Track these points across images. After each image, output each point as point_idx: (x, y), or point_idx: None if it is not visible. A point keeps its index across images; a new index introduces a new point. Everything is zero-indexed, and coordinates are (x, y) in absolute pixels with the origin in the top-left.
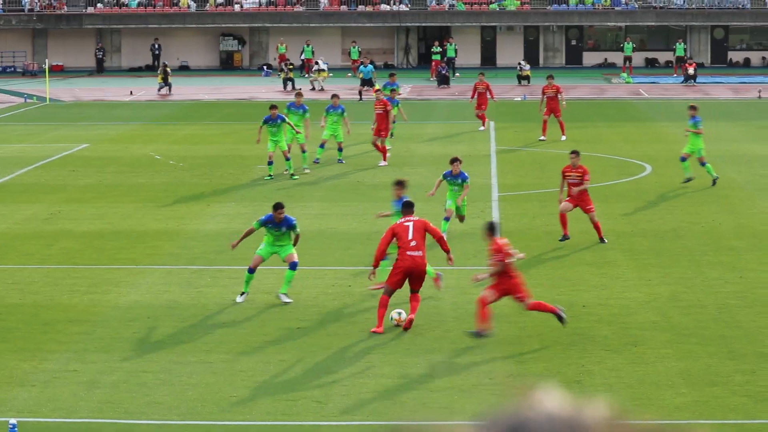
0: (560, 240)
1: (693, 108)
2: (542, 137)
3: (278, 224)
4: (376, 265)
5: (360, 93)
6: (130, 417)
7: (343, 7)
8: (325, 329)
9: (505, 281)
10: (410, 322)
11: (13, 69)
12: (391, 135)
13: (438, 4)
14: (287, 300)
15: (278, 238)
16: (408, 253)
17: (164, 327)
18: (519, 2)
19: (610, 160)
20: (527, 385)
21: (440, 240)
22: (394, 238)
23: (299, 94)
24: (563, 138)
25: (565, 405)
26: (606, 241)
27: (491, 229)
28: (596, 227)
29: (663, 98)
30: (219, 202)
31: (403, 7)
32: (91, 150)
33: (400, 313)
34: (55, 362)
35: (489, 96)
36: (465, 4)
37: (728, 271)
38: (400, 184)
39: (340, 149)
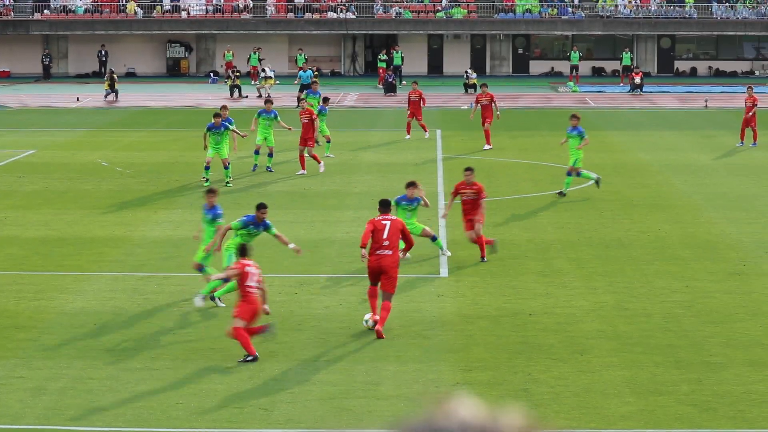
0: (481, 261)
1: (575, 117)
2: (487, 146)
3: (258, 225)
4: (363, 246)
5: (299, 99)
6: (76, 423)
7: (290, 15)
8: (272, 337)
9: (245, 305)
10: (378, 333)
11: None
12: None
13: (385, 12)
14: (222, 304)
15: (252, 240)
16: (377, 252)
17: (110, 334)
18: (466, 11)
19: (556, 168)
20: (442, 393)
21: (409, 245)
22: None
23: (224, 107)
24: (487, 147)
25: (479, 413)
26: (486, 259)
27: (242, 250)
28: (479, 242)
29: (610, 107)
30: (165, 209)
31: (350, 15)
32: (38, 156)
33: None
34: (1, 368)
35: (422, 104)
36: (412, 12)
37: (674, 280)
38: (212, 192)
39: (270, 154)
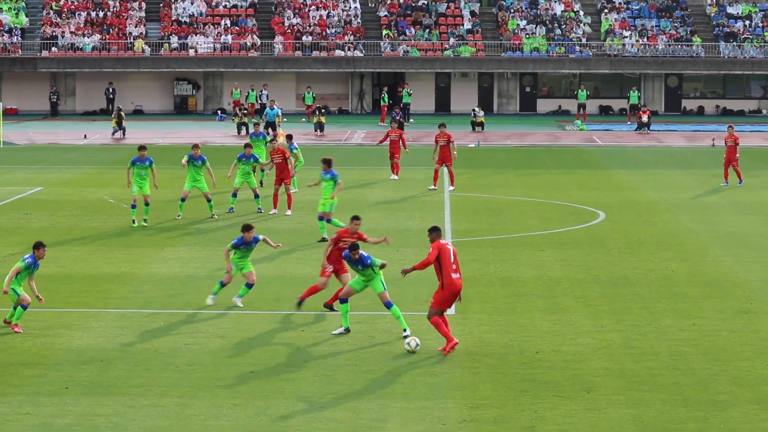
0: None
1: (326, 162)
2: (432, 186)
3: (355, 262)
4: (419, 268)
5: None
6: None
7: (298, 53)
8: (278, 374)
9: None
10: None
11: None
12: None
13: (392, 51)
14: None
15: (364, 274)
16: (453, 276)
17: (117, 370)
18: (473, 49)
19: (564, 207)
20: None
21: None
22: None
23: (196, 146)
24: (451, 188)
25: None
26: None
27: None
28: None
29: (617, 146)
30: (172, 246)
31: (357, 53)
32: (45, 193)
33: (414, 340)
34: (8, 405)
35: (402, 146)
36: (419, 50)
37: (681, 318)
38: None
39: (256, 196)
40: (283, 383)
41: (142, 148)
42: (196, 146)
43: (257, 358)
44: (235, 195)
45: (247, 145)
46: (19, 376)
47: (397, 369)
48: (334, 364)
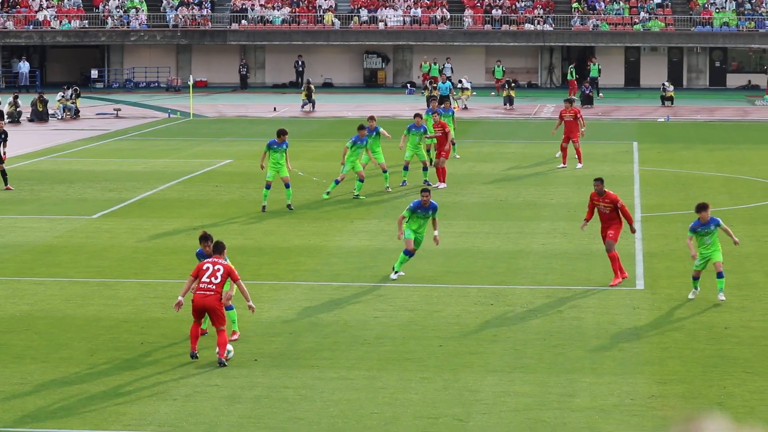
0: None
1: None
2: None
3: (426, 209)
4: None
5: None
6: None
7: (487, 27)
8: (467, 347)
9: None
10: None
11: (157, 84)
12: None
13: (582, 25)
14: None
15: (421, 225)
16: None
17: (306, 343)
18: (663, 24)
19: (753, 182)
20: (687, 411)
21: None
22: None
23: (372, 118)
24: (559, 162)
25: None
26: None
27: (213, 247)
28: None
29: None
30: (362, 219)
31: (547, 27)
32: (234, 166)
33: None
34: (197, 376)
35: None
36: (609, 24)
37: None
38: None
39: (425, 168)
40: (471, 357)
41: (362, 125)
42: (371, 118)
43: (445, 331)
44: (406, 168)
45: (416, 115)
46: (208, 347)
47: (586, 344)
48: (523, 339)
